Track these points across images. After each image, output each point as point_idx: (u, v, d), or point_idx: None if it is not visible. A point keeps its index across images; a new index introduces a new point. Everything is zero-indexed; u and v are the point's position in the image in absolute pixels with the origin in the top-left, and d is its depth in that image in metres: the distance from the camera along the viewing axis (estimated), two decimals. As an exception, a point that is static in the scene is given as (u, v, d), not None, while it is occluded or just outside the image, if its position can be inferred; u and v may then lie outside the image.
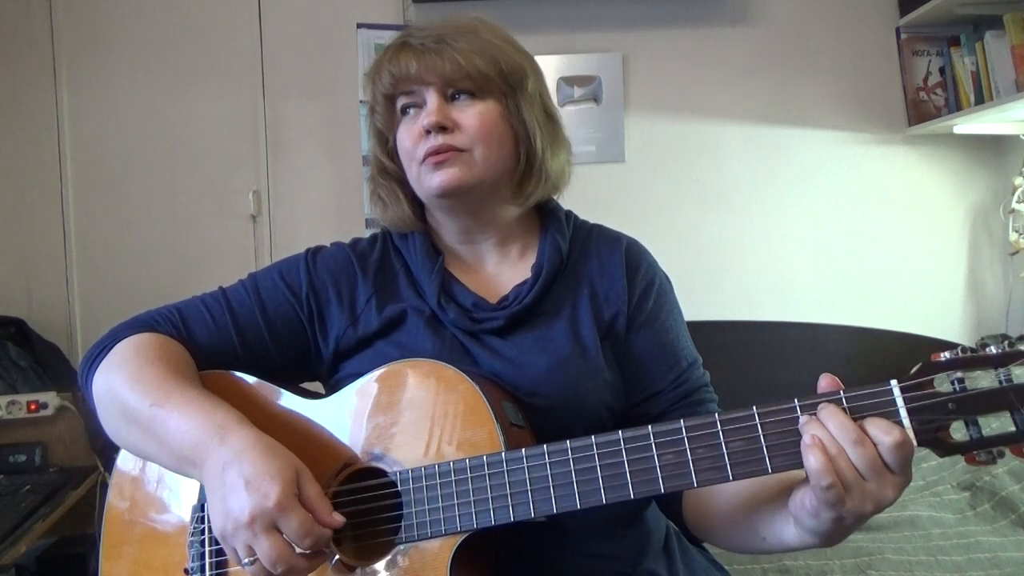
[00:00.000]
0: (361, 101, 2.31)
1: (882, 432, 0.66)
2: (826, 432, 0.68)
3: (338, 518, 0.76)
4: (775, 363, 2.34)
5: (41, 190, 2.35)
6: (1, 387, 2.03)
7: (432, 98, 0.90)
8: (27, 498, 1.76)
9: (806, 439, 0.68)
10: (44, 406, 1.99)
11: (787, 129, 2.42)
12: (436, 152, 0.89)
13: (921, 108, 2.35)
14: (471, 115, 0.91)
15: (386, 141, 0.98)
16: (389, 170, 0.99)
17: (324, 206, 2.42)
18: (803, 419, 0.70)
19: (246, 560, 0.74)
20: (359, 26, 2.31)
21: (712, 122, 2.42)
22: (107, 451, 2.00)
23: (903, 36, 2.35)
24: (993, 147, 2.37)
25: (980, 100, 2.13)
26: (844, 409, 0.68)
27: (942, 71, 2.33)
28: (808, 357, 2.34)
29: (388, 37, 2.32)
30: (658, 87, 2.41)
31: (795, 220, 2.42)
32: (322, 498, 0.77)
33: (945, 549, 1.54)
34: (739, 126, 2.42)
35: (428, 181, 0.90)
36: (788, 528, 0.74)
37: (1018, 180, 2.19)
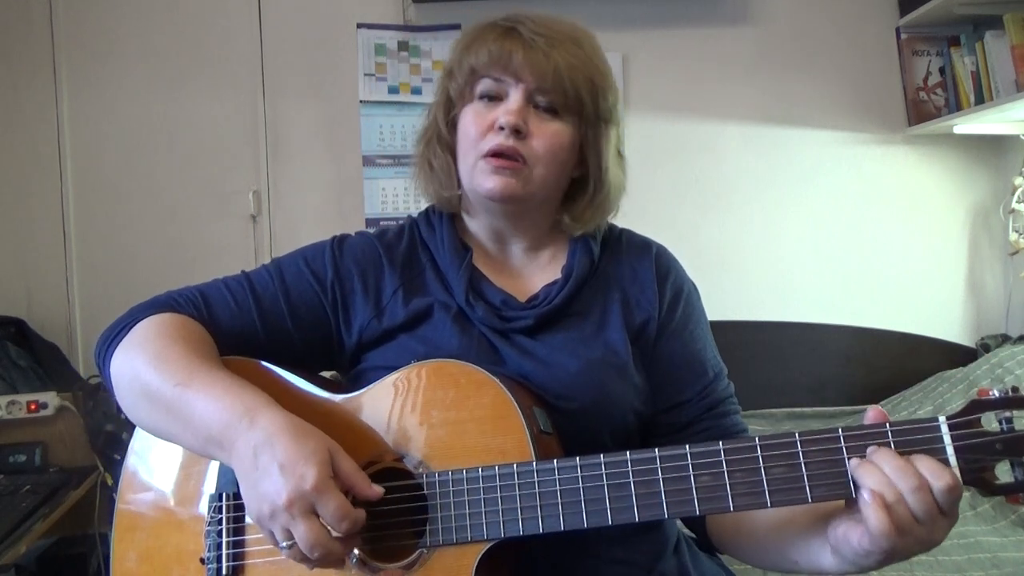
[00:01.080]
0: (361, 101, 2.31)
1: (933, 476, 0.65)
2: (884, 478, 0.66)
3: (377, 489, 0.75)
4: (775, 363, 2.33)
5: (41, 190, 2.35)
6: (1, 387, 2.03)
7: (517, 97, 0.89)
8: (27, 498, 1.76)
9: (865, 494, 0.66)
10: (44, 406, 1.99)
11: (787, 129, 2.41)
12: (502, 154, 0.88)
13: (921, 108, 2.34)
14: (547, 131, 0.89)
15: (450, 111, 0.95)
16: (446, 141, 0.96)
17: (324, 206, 2.42)
18: (854, 462, 0.68)
19: (284, 544, 0.73)
20: (359, 26, 2.31)
21: (712, 122, 2.41)
22: (107, 451, 2.00)
23: (903, 36, 2.35)
24: (993, 147, 2.37)
25: (980, 100, 2.13)
26: (897, 452, 0.67)
27: (942, 71, 2.33)
28: (808, 357, 2.34)
29: (388, 37, 2.33)
30: (658, 87, 2.41)
31: (795, 220, 2.42)
32: (358, 471, 0.76)
33: (945, 549, 1.54)
34: (739, 126, 2.41)
35: (482, 180, 0.89)
36: (825, 556, 0.73)
37: (1018, 180, 2.19)
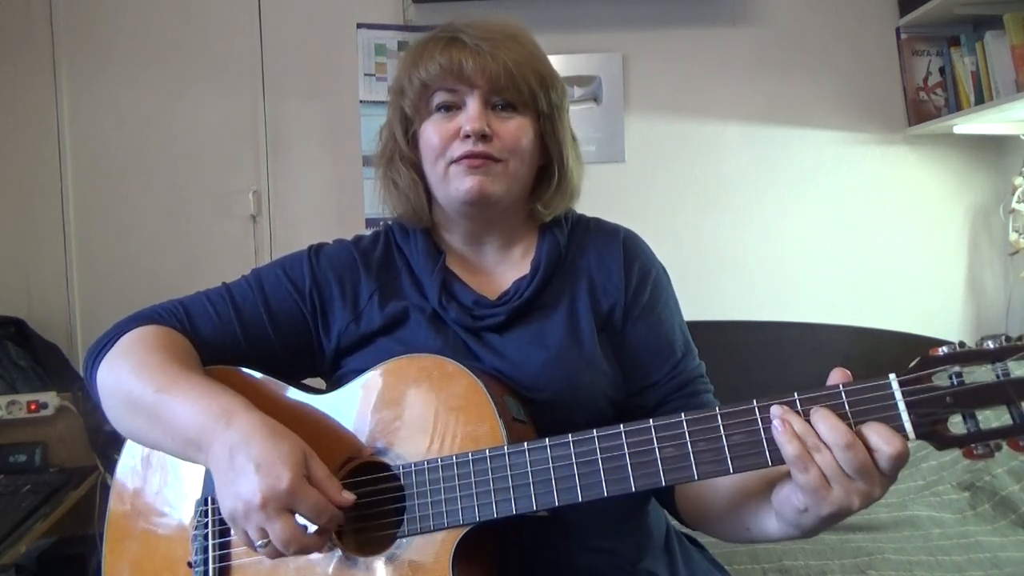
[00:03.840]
0: (361, 101, 2.31)
1: (883, 441, 0.66)
2: (807, 427, 0.68)
3: (348, 496, 0.77)
4: (775, 363, 2.33)
5: (41, 190, 2.35)
6: (1, 387, 2.03)
7: (474, 103, 0.90)
8: (27, 498, 1.76)
9: (776, 424, 0.69)
10: (44, 406, 1.99)
11: (787, 129, 2.41)
12: (473, 156, 0.89)
13: (921, 108, 2.34)
14: (510, 128, 0.91)
15: (408, 128, 0.97)
16: (408, 158, 0.97)
17: (324, 206, 2.42)
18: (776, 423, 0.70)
19: (259, 543, 0.74)
20: (359, 26, 2.31)
21: (712, 122, 2.41)
22: (107, 451, 2.00)
23: (903, 36, 2.35)
24: (993, 147, 2.37)
25: (980, 100, 2.13)
26: (837, 412, 0.69)
27: (942, 71, 2.33)
28: (808, 357, 2.34)
29: (388, 37, 2.32)
30: (658, 87, 2.41)
31: (795, 220, 2.42)
32: (331, 478, 0.77)
33: (945, 549, 1.54)
34: (739, 126, 2.42)
35: (458, 183, 0.91)
36: (770, 520, 0.75)
37: (1018, 180, 2.19)
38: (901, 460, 0.66)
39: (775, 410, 0.70)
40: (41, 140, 2.35)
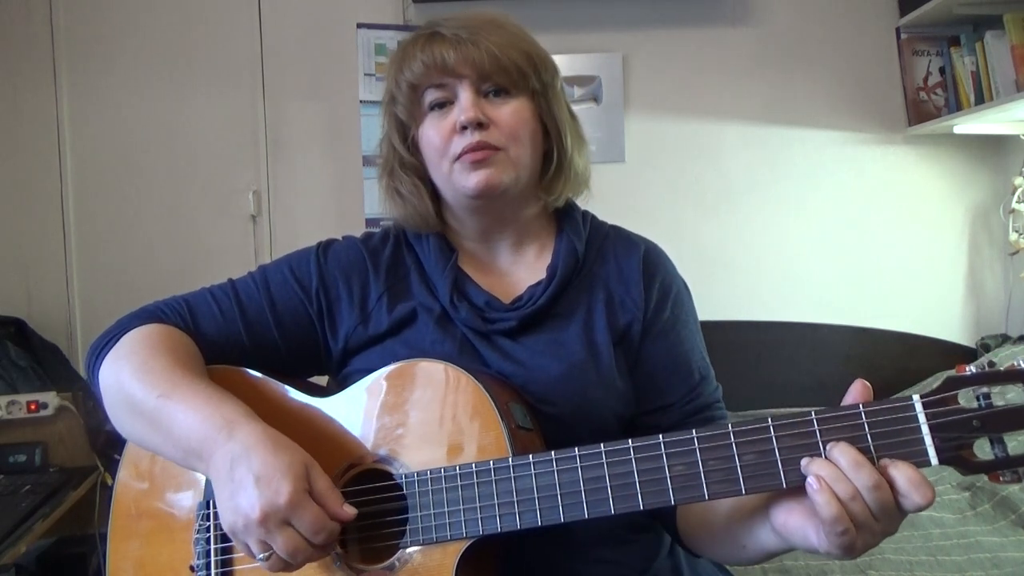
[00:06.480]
0: (361, 101, 2.31)
1: (913, 488, 0.63)
2: (837, 471, 0.65)
3: (350, 510, 0.76)
4: (776, 363, 2.33)
5: (41, 190, 2.35)
6: (1, 387, 2.02)
7: (465, 93, 0.88)
8: (27, 498, 1.75)
9: (812, 482, 0.65)
10: (44, 406, 1.98)
11: (787, 129, 2.41)
12: (473, 149, 0.87)
13: (921, 108, 2.34)
14: (506, 112, 0.89)
15: (406, 134, 0.95)
16: (409, 164, 0.95)
17: (324, 206, 2.42)
18: (804, 461, 0.67)
19: (261, 556, 0.73)
20: (359, 26, 2.31)
21: (712, 122, 2.41)
22: (107, 451, 2.00)
23: (903, 36, 2.35)
24: (993, 147, 2.37)
25: (980, 100, 2.13)
26: (857, 435, 0.66)
27: (942, 71, 2.33)
28: (809, 357, 2.34)
29: (388, 37, 2.32)
30: (658, 87, 2.41)
31: (795, 220, 2.42)
32: (333, 491, 0.76)
33: (945, 549, 1.54)
34: (739, 126, 2.41)
35: (464, 180, 0.88)
36: (770, 537, 0.72)
37: (1018, 180, 2.19)
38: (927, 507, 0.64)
39: (814, 467, 0.66)
40: (41, 140, 2.35)
